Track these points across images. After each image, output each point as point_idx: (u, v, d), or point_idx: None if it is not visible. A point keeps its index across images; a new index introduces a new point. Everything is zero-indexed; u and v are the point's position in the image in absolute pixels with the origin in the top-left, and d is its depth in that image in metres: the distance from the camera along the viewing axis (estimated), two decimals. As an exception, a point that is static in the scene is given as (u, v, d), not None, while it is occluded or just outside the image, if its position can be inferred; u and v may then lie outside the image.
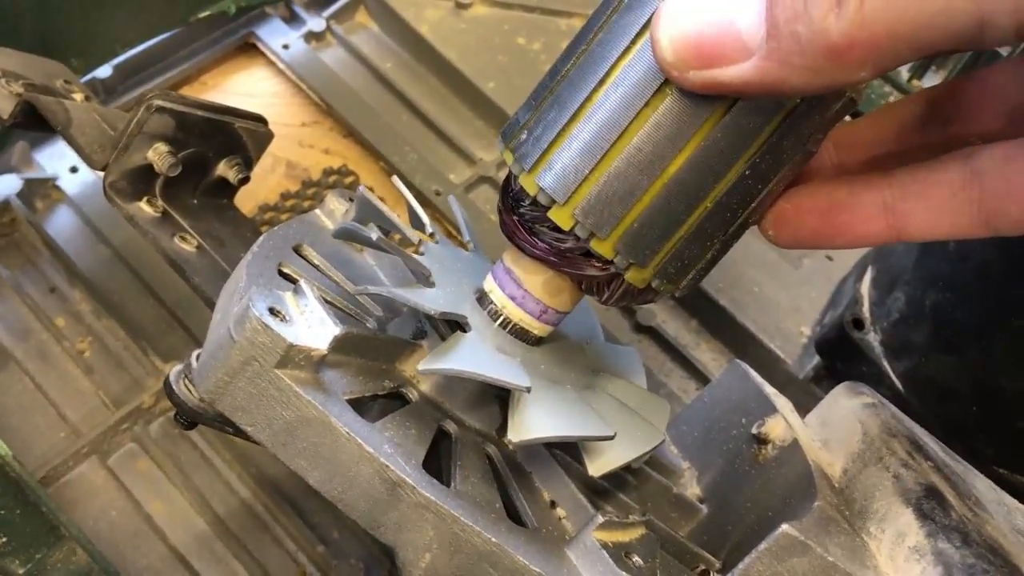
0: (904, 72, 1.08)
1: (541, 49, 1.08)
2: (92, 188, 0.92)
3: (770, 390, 0.57)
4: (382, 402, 0.49)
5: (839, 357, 0.89)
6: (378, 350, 0.49)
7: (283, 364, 0.41)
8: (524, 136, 0.44)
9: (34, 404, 0.80)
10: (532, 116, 0.44)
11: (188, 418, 0.48)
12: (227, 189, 0.68)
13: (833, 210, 0.45)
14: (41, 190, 0.91)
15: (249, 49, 1.07)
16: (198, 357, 0.45)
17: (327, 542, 0.79)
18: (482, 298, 0.50)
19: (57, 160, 0.93)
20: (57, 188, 0.91)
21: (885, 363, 0.85)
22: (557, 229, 0.44)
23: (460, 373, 0.44)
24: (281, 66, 1.05)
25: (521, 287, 0.49)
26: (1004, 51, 0.79)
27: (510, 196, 0.47)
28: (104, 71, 0.96)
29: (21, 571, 0.63)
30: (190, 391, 0.46)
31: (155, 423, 0.82)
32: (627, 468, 0.52)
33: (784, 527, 0.43)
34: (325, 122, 1.05)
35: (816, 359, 0.91)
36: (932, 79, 1.07)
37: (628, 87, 0.40)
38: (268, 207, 0.96)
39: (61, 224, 0.90)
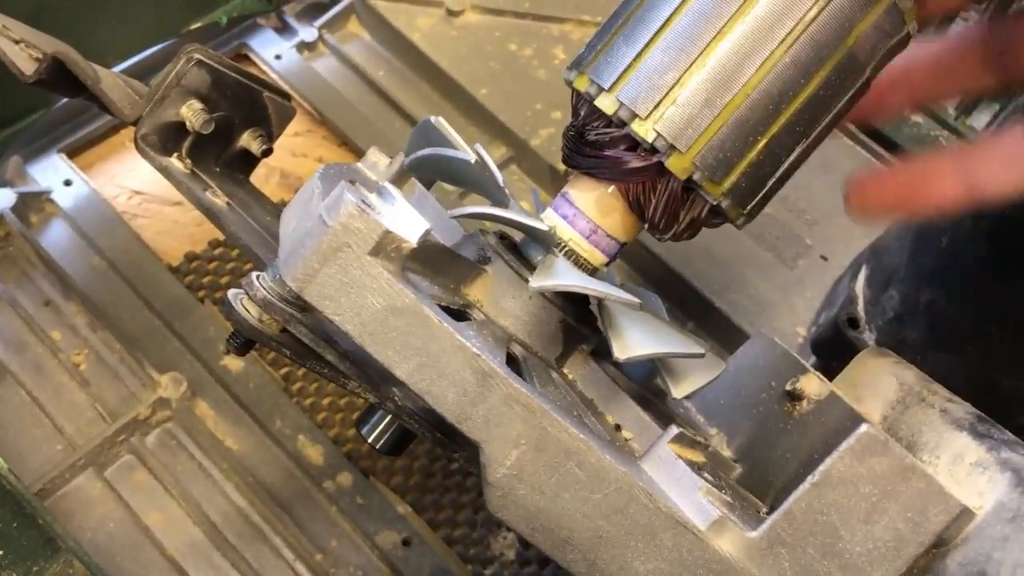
0: (951, 110, 1.09)
1: (533, 55, 1.08)
2: (87, 201, 0.92)
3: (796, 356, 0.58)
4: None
5: (835, 357, 0.88)
6: (449, 267, 0.49)
7: (376, 252, 0.40)
8: (584, 51, 0.49)
9: (30, 417, 0.80)
10: (596, 39, 0.49)
11: (245, 338, 0.48)
12: (246, 164, 0.68)
13: (912, 181, 0.49)
14: (35, 204, 0.91)
15: (241, 60, 1.07)
16: (258, 277, 0.45)
17: (325, 550, 0.79)
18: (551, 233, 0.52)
19: (51, 174, 0.93)
20: (51, 202, 0.92)
21: (881, 362, 0.85)
22: (608, 125, 0.48)
23: (582, 289, 0.47)
24: (274, 76, 1.05)
25: (573, 205, 0.51)
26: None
27: (572, 120, 0.50)
28: (96, 84, 0.96)
29: (18, 584, 0.63)
30: (248, 310, 0.45)
31: (152, 434, 0.82)
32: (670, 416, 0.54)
33: (864, 426, 0.42)
34: (318, 131, 1.05)
35: (812, 359, 0.91)
36: (981, 118, 1.09)
37: None
38: (262, 217, 0.96)
39: (55, 237, 0.90)
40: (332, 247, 0.40)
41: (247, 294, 0.45)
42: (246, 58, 1.07)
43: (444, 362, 0.41)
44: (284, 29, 1.10)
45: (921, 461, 0.47)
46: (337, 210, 0.40)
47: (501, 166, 1.04)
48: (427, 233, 0.42)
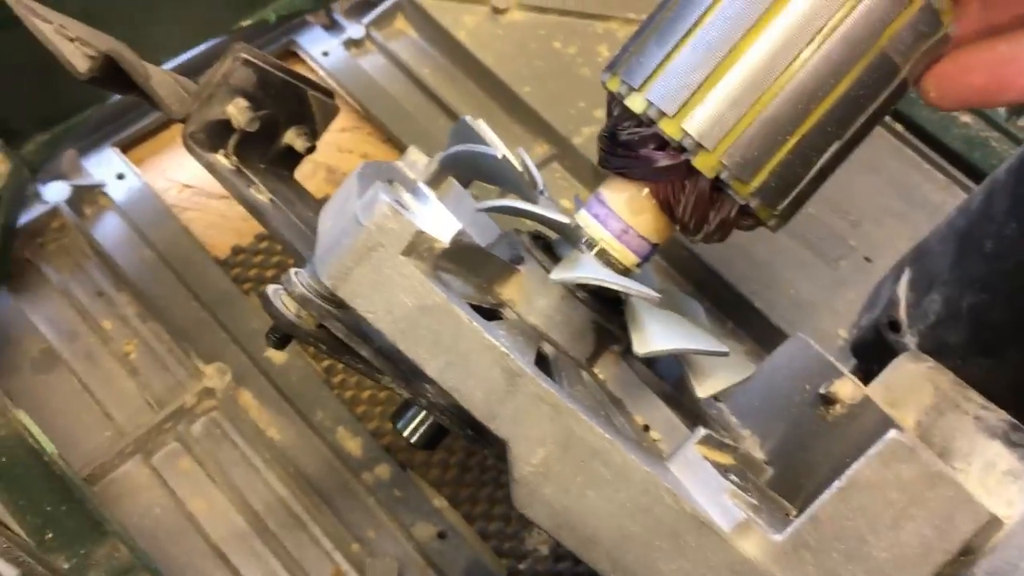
0: (1001, 111, 1.09)
1: (577, 53, 1.09)
2: (138, 195, 0.95)
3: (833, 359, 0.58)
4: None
5: (875, 360, 0.87)
6: (482, 266, 0.50)
7: (408, 252, 0.41)
8: (619, 53, 0.50)
9: (81, 404, 0.83)
10: (630, 42, 0.49)
11: (283, 333, 0.49)
12: (291, 161, 0.69)
13: (999, 64, 0.45)
14: (89, 197, 0.94)
15: (290, 57, 1.09)
16: (296, 274, 0.46)
17: (362, 540, 0.80)
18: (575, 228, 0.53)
19: (105, 167, 0.96)
20: (105, 195, 0.94)
21: (922, 366, 0.84)
22: (638, 125, 0.48)
23: (600, 282, 0.47)
24: (322, 73, 1.07)
25: (605, 205, 0.51)
26: None
27: (607, 122, 0.51)
28: (149, 80, 0.98)
29: (66, 566, 0.65)
30: (287, 305, 0.46)
31: (197, 423, 0.84)
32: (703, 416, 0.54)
33: (892, 432, 0.42)
34: (364, 127, 1.06)
35: (853, 362, 0.90)
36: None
37: None
38: (307, 212, 0.98)
39: (108, 230, 0.92)
40: (366, 246, 0.41)
41: (285, 290, 0.46)
42: (294, 55, 1.09)
43: (473, 361, 0.41)
44: (332, 26, 1.12)
45: (953, 468, 0.47)
46: (372, 210, 0.40)
47: (542, 164, 1.04)
48: (460, 233, 0.43)
